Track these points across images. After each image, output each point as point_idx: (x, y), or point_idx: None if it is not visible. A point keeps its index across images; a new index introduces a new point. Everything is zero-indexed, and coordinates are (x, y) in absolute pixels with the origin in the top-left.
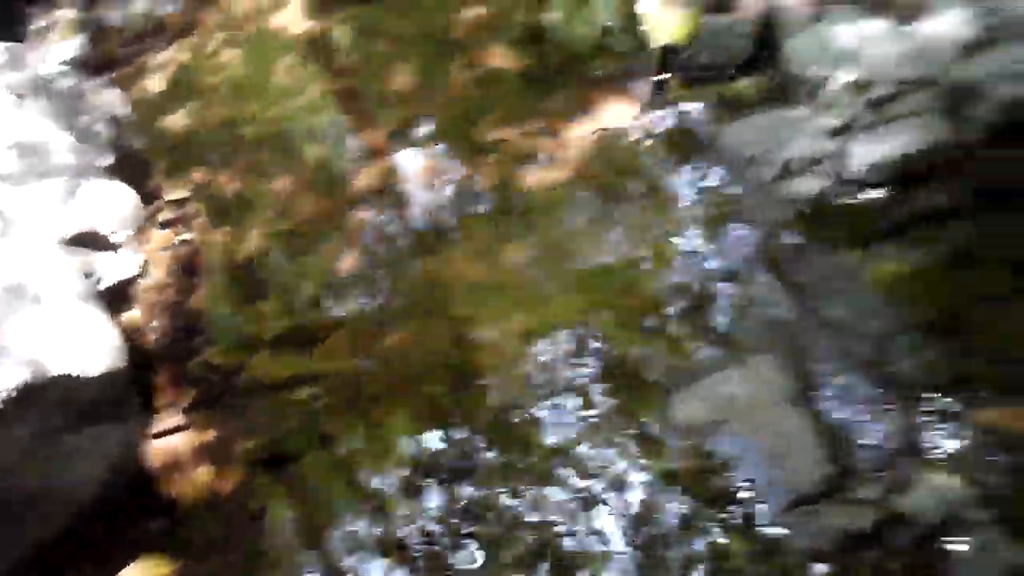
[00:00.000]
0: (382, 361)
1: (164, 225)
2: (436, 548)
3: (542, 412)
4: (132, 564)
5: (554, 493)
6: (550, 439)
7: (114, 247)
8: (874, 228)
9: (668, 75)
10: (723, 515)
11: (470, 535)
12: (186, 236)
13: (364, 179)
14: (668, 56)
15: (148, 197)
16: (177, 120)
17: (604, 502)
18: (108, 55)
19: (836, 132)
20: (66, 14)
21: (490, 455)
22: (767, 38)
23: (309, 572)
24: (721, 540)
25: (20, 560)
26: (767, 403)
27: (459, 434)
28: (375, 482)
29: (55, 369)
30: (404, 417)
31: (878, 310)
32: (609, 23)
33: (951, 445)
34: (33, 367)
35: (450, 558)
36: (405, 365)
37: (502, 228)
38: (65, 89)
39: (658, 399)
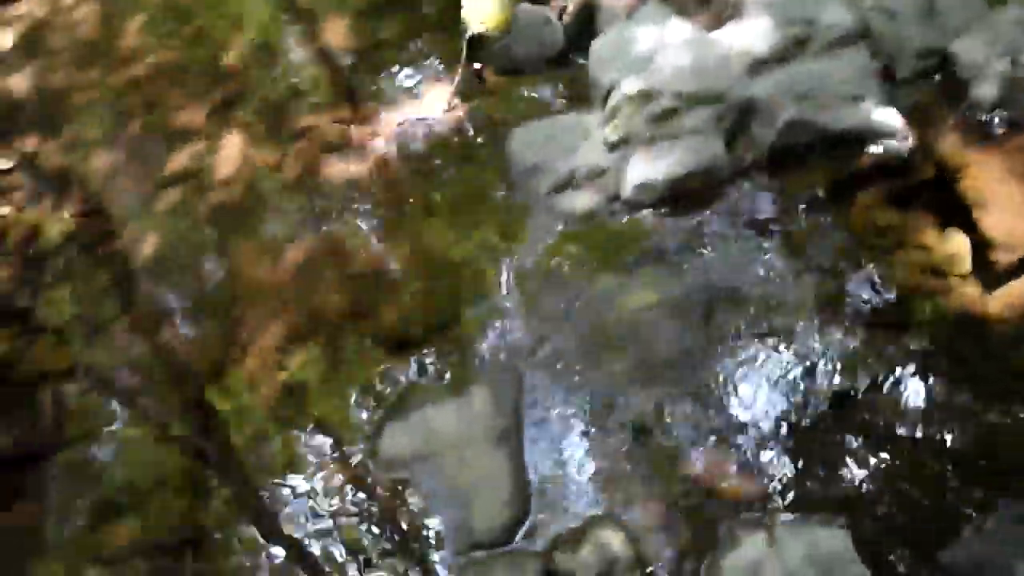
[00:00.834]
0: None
1: None
2: None
3: None
4: None
5: None
6: None
7: None
8: (637, 252)
9: (480, 65)
10: (401, 555)
11: None
12: (3, 211)
13: (179, 160)
14: (481, 44)
15: None
16: (19, 81)
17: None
18: None
19: (614, 146)
20: None
21: None
22: (582, 33)
23: None
24: None
25: None
26: (474, 439)
27: None
28: None
29: None
30: None
31: (613, 346)
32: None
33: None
34: None
35: None
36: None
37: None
38: None
39: (368, 428)
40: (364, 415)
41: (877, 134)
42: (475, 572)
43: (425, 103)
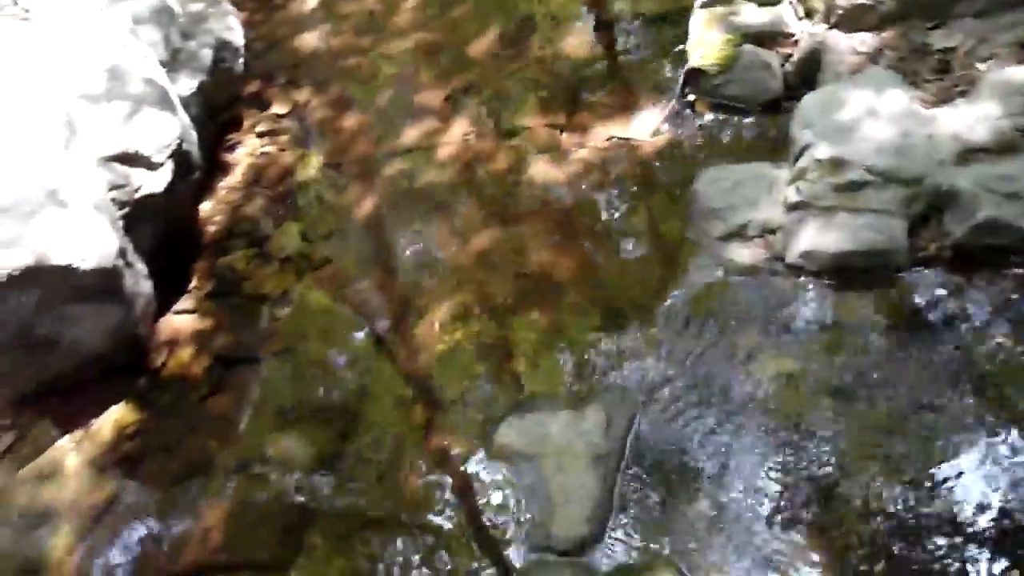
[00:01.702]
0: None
1: (260, 135)
2: None
3: None
4: (114, 408)
5: None
6: None
7: (153, 165)
8: (787, 318)
9: (693, 97)
10: (481, 536)
11: None
12: (270, 149)
13: (412, 134)
14: (698, 78)
15: (263, 105)
16: (309, 39)
17: None
18: None
19: (793, 207)
20: None
21: None
22: (802, 83)
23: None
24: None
25: (39, 384)
26: (576, 453)
27: None
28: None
29: (56, 259)
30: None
31: (732, 406)
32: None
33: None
34: (38, 255)
35: None
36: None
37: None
38: (187, 14)
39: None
40: (486, 404)
41: None
42: (539, 569)
43: (635, 125)
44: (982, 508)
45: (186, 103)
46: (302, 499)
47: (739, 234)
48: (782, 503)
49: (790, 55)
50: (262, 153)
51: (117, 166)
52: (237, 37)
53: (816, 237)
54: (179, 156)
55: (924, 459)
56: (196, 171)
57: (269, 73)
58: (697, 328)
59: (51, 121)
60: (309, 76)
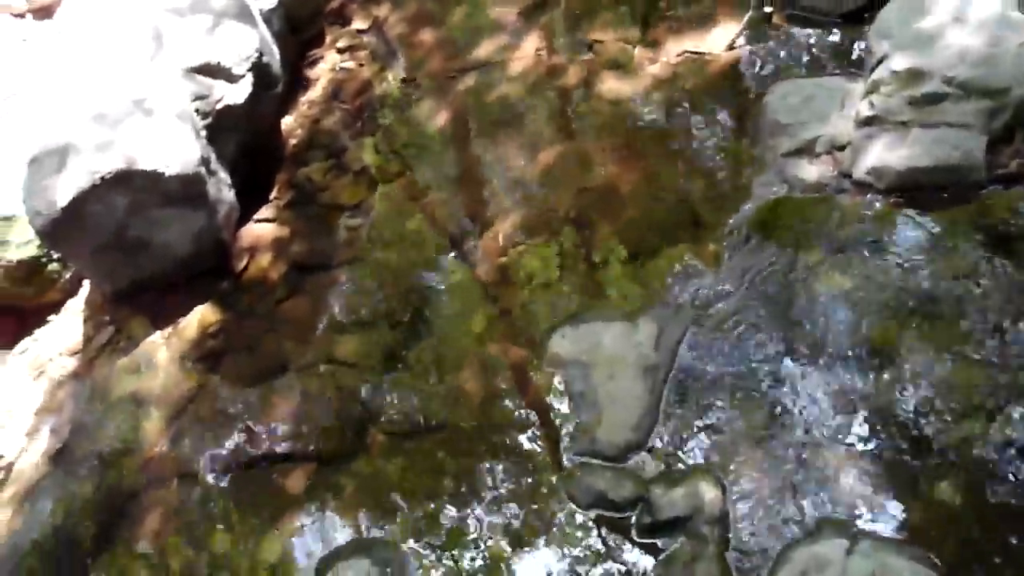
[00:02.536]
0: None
1: (340, 51)
2: None
3: None
4: (199, 308)
5: None
6: None
7: (234, 78)
8: (847, 236)
9: (771, 8)
10: (531, 436)
11: None
12: (349, 64)
13: (484, 49)
14: None
15: (344, 20)
16: None
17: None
18: None
19: (865, 122)
20: None
21: None
22: None
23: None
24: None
25: (132, 282)
26: (626, 363)
27: None
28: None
29: (143, 164)
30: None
31: (784, 321)
32: None
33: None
34: (128, 160)
35: None
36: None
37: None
38: None
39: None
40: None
41: None
42: (583, 472)
43: (710, 38)
44: None
45: (267, 18)
46: (367, 398)
47: (807, 150)
48: (831, 422)
49: None
50: (342, 68)
51: (200, 77)
52: None
53: (885, 153)
54: (259, 69)
55: (989, 385)
56: (277, 84)
57: None
58: (757, 244)
59: (139, 34)
60: None
